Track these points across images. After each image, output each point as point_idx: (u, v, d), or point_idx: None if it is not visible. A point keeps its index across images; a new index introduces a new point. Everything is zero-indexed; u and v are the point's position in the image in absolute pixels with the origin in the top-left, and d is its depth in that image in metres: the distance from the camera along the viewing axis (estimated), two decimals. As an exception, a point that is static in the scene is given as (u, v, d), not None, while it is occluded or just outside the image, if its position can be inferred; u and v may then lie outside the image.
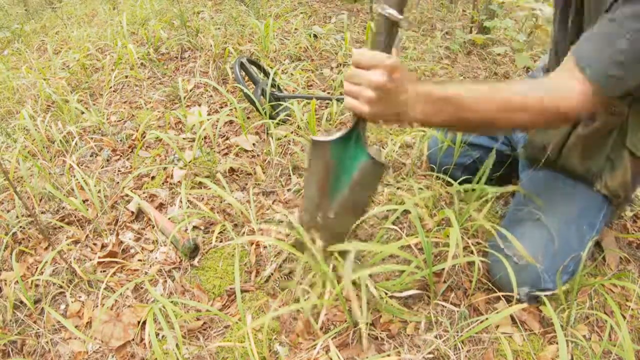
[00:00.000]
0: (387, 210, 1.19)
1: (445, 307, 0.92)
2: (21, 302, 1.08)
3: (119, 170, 1.56)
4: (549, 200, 0.94)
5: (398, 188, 1.27)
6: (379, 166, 0.81)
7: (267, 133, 1.60)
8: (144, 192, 1.42)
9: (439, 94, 0.71)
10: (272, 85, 1.71)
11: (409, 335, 0.89)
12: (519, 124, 0.74)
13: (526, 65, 2.13)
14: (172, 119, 1.83)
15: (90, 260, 1.19)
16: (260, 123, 1.63)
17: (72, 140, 1.68)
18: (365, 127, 0.80)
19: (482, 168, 1.05)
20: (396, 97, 0.70)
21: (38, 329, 1.03)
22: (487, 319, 0.85)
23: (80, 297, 1.10)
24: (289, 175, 1.39)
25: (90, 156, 1.66)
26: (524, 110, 0.71)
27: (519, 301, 0.90)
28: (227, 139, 1.67)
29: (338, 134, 0.79)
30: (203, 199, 1.35)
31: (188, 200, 1.32)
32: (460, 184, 1.10)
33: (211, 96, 2.01)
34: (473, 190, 1.07)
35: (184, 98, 1.98)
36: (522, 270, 0.88)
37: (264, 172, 1.43)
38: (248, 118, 1.78)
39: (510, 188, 1.04)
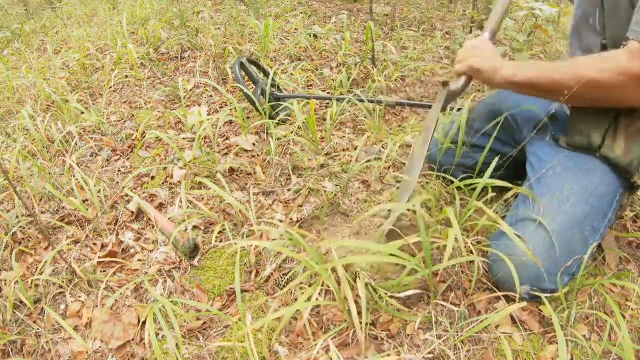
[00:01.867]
0: (389, 210, 1.19)
1: (445, 307, 0.92)
2: (21, 302, 1.08)
3: (119, 170, 1.56)
4: (556, 201, 0.94)
5: (398, 188, 1.27)
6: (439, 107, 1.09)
7: (267, 133, 1.60)
8: (144, 192, 1.42)
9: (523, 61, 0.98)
10: (272, 85, 1.71)
11: (409, 335, 0.89)
12: (587, 82, 0.85)
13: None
14: (172, 119, 1.83)
15: (90, 260, 1.19)
16: (260, 123, 1.63)
17: (72, 140, 1.68)
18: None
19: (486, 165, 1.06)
20: (487, 53, 1.00)
21: (38, 329, 1.03)
22: (487, 319, 0.85)
23: (80, 297, 1.10)
24: (289, 175, 1.39)
25: (90, 156, 1.66)
26: (590, 69, 0.84)
27: (520, 300, 0.90)
28: (227, 139, 1.67)
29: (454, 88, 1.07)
30: (203, 199, 1.35)
31: (188, 200, 1.32)
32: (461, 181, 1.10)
33: (211, 96, 2.01)
34: (474, 188, 1.07)
35: (184, 98, 1.98)
36: (523, 269, 0.88)
37: (264, 172, 1.43)
38: (248, 118, 1.78)
39: (517, 189, 1.03)
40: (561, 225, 0.90)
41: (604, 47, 0.92)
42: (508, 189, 1.07)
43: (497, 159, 1.06)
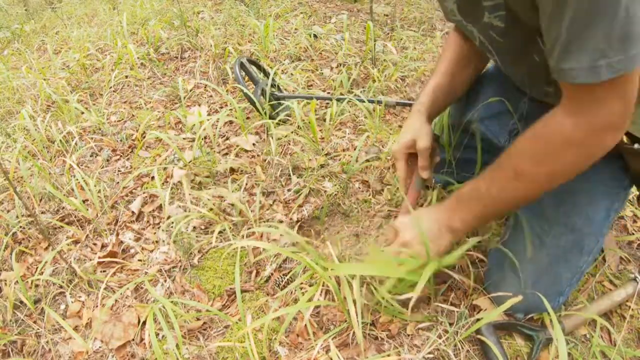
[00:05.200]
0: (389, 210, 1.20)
1: (445, 307, 0.92)
2: (21, 302, 1.08)
3: (119, 170, 1.56)
4: (537, 233, 0.89)
5: (398, 188, 1.27)
6: None
7: (267, 133, 1.60)
8: (144, 192, 1.42)
9: (455, 196, 0.80)
10: (272, 85, 1.71)
11: (409, 335, 0.89)
12: (545, 177, 0.70)
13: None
14: (172, 119, 1.83)
15: (90, 260, 1.19)
16: (260, 123, 1.63)
17: (72, 140, 1.68)
18: None
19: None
20: (436, 239, 0.81)
21: (38, 329, 1.03)
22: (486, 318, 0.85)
23: (80, 297, 1.10)
24: (289, 175, 1.39)
25: (90, 156, 1.66)
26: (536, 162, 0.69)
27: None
28: (227, 139, 1.67)
29: None
30: (203, 199, 1.35)
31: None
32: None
33: (211, 96, 2.01)
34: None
35: (184, 98, 1.98)
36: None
37: (264, 172, 1.43)
38: (248, 118, 1.78)
39: None
40: (544, 263, 0.87)
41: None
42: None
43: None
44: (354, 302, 0.83)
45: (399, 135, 0.97)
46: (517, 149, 0.71)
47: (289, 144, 1.54)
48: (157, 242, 1.23)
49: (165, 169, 1.50)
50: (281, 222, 1.21)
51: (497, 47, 0.83)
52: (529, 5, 0.62)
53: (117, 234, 1.26)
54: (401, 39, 2.49)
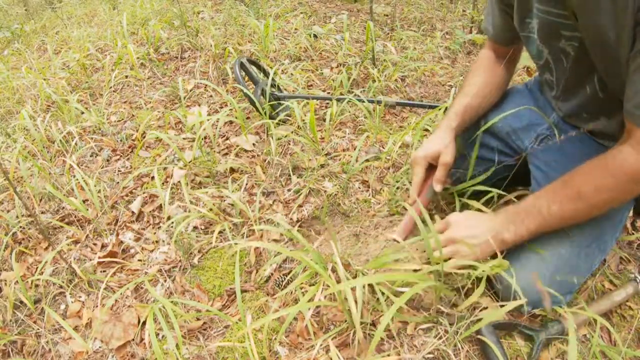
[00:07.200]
0: (388, 210, 1.20)
1: (446, 310, 0.92)
2: (21, 302, 1.08)
3: (119, 170, 1.56)
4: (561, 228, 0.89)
5: (397, 188, 1.27)
6: None
7: (267, 133, 1.60)
8: (144, 192, 1.42)
9: (513, 209, 0.85)
10: (272, 85, 1.71)
11: (409, 335, 0.89)
12: (603, 203, 0.78)
13: (526, 65, 2.13)
14: (172, 119, 1.83)
15: (90, 260, 1.19)
16: (260, 123, 1.63)
17: (72, 140, 1.68)
18: None
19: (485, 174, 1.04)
20: (474, 233, 0.84)
21: (38, 329, 1.03)
22: (486, 318, 0.84)
23: (80, 297, 1.10)
24: (289, 175, 1.39)
25: (90, 156, 1.66)
26: (597, 189, 0.76)
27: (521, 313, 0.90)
28: (227, 139, 1.67)
29: None
30: (203, 199, 1.35)
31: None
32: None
33: (211, 96, 2.01)
34: (470, 193, 1.06)
35: (184, 98, 1.98)
36: (527, 293, 0.85)
37: (264, 172, 1.43)
38: (248, 118, 1.78)
39: (518, 193, 1.03)
40: (566, 254, 0.87)
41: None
42: (509, 191, 1.07)
43: (493, 169, 1.03)
44: (355, 302, 0.83)
45: (424, 142, 1.03)
46: (584, 173, 0.79)
47: (289, 144, 1.54)
48: (157, 242, 1.23)
49: (165, 169, 1.50)
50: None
51: (558, 70, 0.91)
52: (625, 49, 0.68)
53: (117, 234, 1.26)
54: (401, 39, 2.49)
